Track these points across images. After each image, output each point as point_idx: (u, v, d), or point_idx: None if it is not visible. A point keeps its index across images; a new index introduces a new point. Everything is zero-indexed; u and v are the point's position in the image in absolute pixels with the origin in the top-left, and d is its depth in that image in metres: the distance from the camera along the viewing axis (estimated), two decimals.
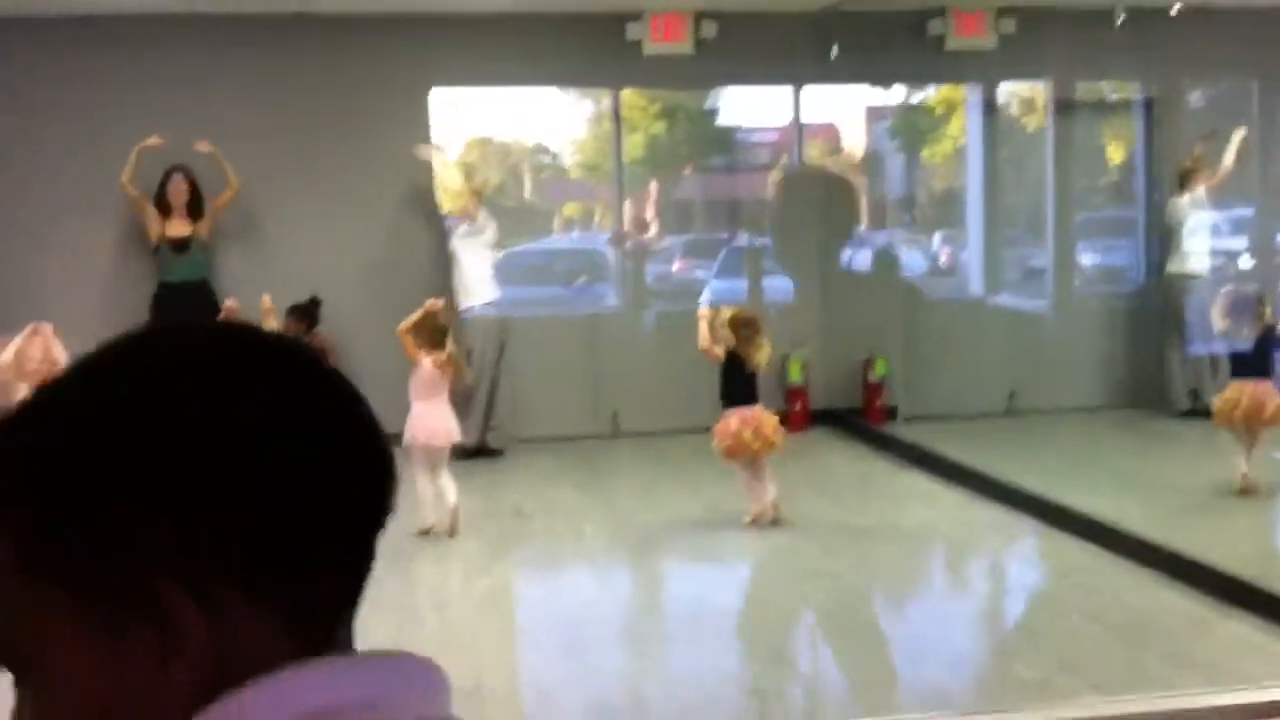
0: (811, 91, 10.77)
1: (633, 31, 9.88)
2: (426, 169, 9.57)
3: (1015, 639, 5.27)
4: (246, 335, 0.89)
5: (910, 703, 4.73)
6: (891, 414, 9.79)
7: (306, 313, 9.25)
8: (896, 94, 12.21)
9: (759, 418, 7.22)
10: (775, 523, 7.12)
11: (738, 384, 7.32)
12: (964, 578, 6.19)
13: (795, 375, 9.93)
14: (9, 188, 9.09)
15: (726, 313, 7.48)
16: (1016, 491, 7.34)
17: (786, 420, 9.85)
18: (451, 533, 7.11)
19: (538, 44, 9.72)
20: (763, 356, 7.31)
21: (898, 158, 13.14)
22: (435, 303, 7.48)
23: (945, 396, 9.84)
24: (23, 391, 6.65)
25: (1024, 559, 6.51)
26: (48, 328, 6.99)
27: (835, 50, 10.00)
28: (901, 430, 9.33)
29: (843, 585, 6.57)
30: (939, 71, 10.86)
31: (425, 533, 7.11)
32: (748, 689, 4.91)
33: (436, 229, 9.60)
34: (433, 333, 7.32)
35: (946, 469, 8.15)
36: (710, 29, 9.94)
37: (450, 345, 7.38)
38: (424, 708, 0.85)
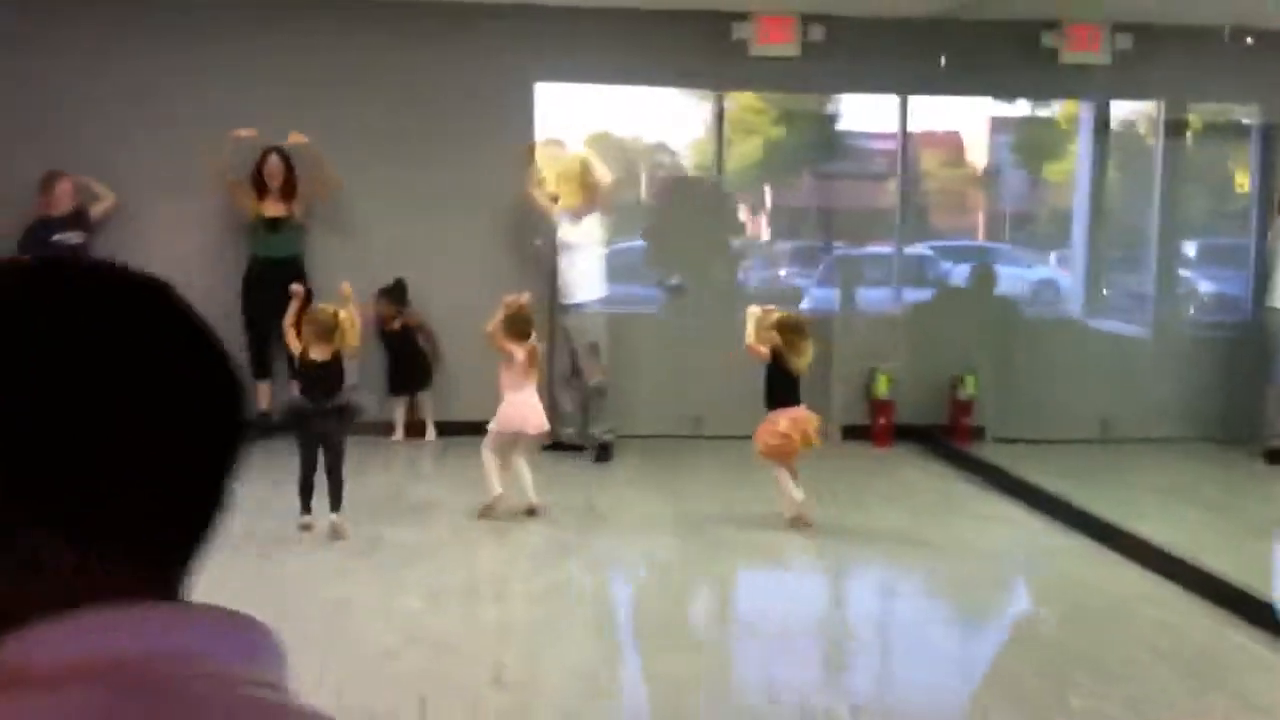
0: (933, 100, 10.61)
1: (739, 32, 9.81)
2: (532, 160, 9.58)
3: (1075, 668, 5.11)
4: (52, 269, 0.86)
5: None
6: (978, 434, 9.60)
7: (394, 294, 9.40)
8: (1021, 107, 11.98)
9: (806, 418, 7.38)
10: (801, 523, 7.27)
11: (784, 386, 7.45)
12: (1030, 603, 6.03)
13: (882, 390, 9.78)
14: (116, 165, 9.29)
15: (775, 315, 7.55)
16: (1096, 520, 7.17)
17: (870, 435, 9.77)
18: (532, 512, 7.47)
19: (642, 41, 9.72)
20: (804, 361, 7.42)
21: (1018, 172, 12.93)
22: (514, 298, 7.61)
23: (1035, 419, 9.62)
24: None
25: (1095, 588, 6.31)
26: None
27: (944, 59, 9.84)
28: (987, 451, 9.15)
29: (905, 602, 6.46)
30: (1050, 86, 10.63)
31: (486, 512, 7.42)
32: (792, 701, 4.82)
33: (541, 221, 9.58)
34: (517, 325, 7.50)
35: (1028, 493, 7.97)
36: (818, 32, 9.84)
37: (534, 337, 7.59)
38: (250, 671, 0.82)
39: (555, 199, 9.36)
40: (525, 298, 7.68)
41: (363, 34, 9.54)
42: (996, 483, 8.42)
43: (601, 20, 9.65)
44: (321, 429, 7.03)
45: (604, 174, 9.29)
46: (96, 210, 9.26)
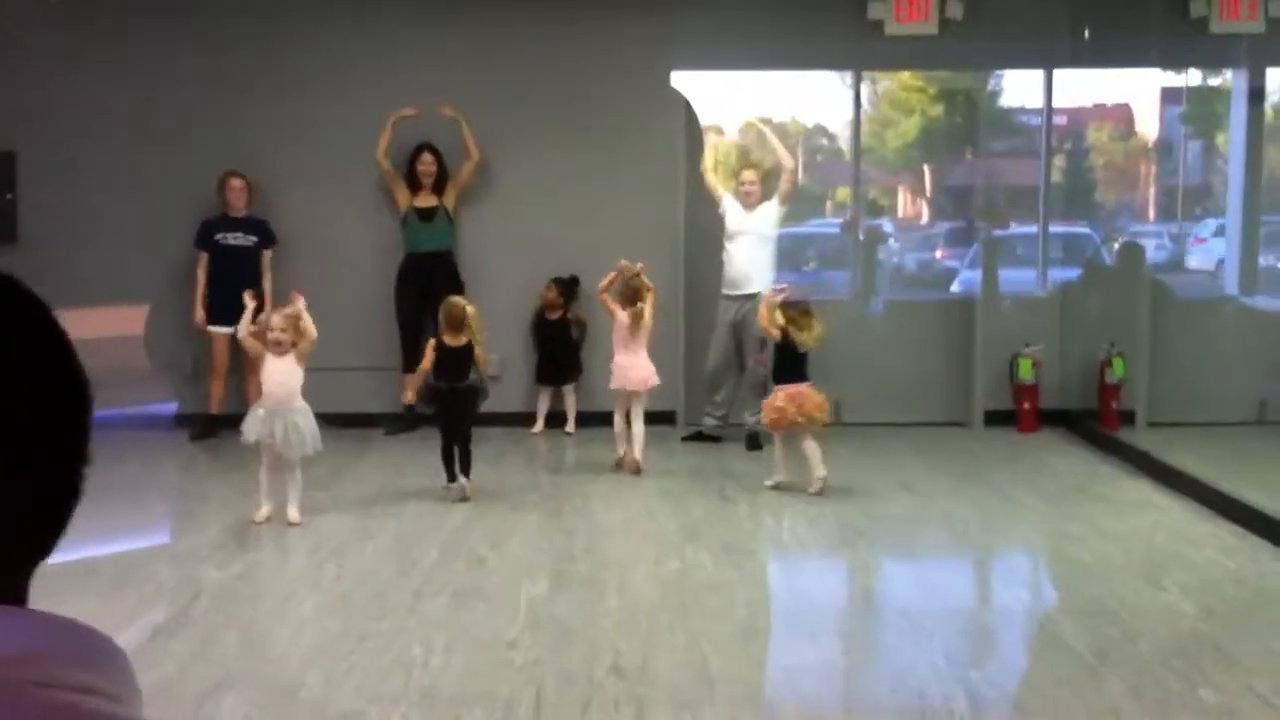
0: (1091, 74, 10.32)
1: (874, 11, 9.68)
2: (681, 147, 9.59)
3: (1209, 661, 4.93)
4: None
5: (1082, 714, 4.50)
6: (1128, 418, 9.31)
7: (565, 286, 9.50)
8: (1192, 76, 11.58)
9: (805, 394, 7.85)
10: (821, 493, 7.70)
11: (790, 364, 7.96)
12: (1167, 592, 5.83)
13: (1025, 374, 9.56)
14: (271, 157, 9.57)
15: (782, 296, 8.04)
16: (1246, 508, 6.90)
17: (1014, 420, 9.57)
18: (637, 471, 8.19)
19: (777, 24, 9.64)
20: (810, 338, 7.91)
21: (1191, 144, 12.54)
22: (629, 265, 8.34)
23: (1188, 402, 9.30)
24: (266, 359, 7.00)
25: (1239, 578, 6.08)
26: (299, 298, 7.29)
27: (1088, 32, 9.56)
28: (1135, 436, 8.87)
29: (1037, 591, 6.33)
30: (1200, 56, 10.26)
31: (616, 467, 8.23)
32: (912, 688, 4.75)
33: (693, 208, 9.57)
34: (625, 290, 8.31)
35: (1176, 479, 7.72)
36: (955, 9, 9.65)
37: (642, 302, 8.27)
38: (88, 678, 0.80)
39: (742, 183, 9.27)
40: (639, 266, 8.32)
41: (508, 18, 9.65)
42: (1143, 468, 8.17)
43: (737, 4, 9.61)
44: (452, 406, 7.63)
45: (786, 158, 9.18)
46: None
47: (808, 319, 7.92)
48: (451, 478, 7.68)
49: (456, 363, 7.60)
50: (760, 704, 4.84)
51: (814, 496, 7.67)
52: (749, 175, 9.25)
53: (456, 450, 7.67)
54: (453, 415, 7.69)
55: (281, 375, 7.04)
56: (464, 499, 7.57)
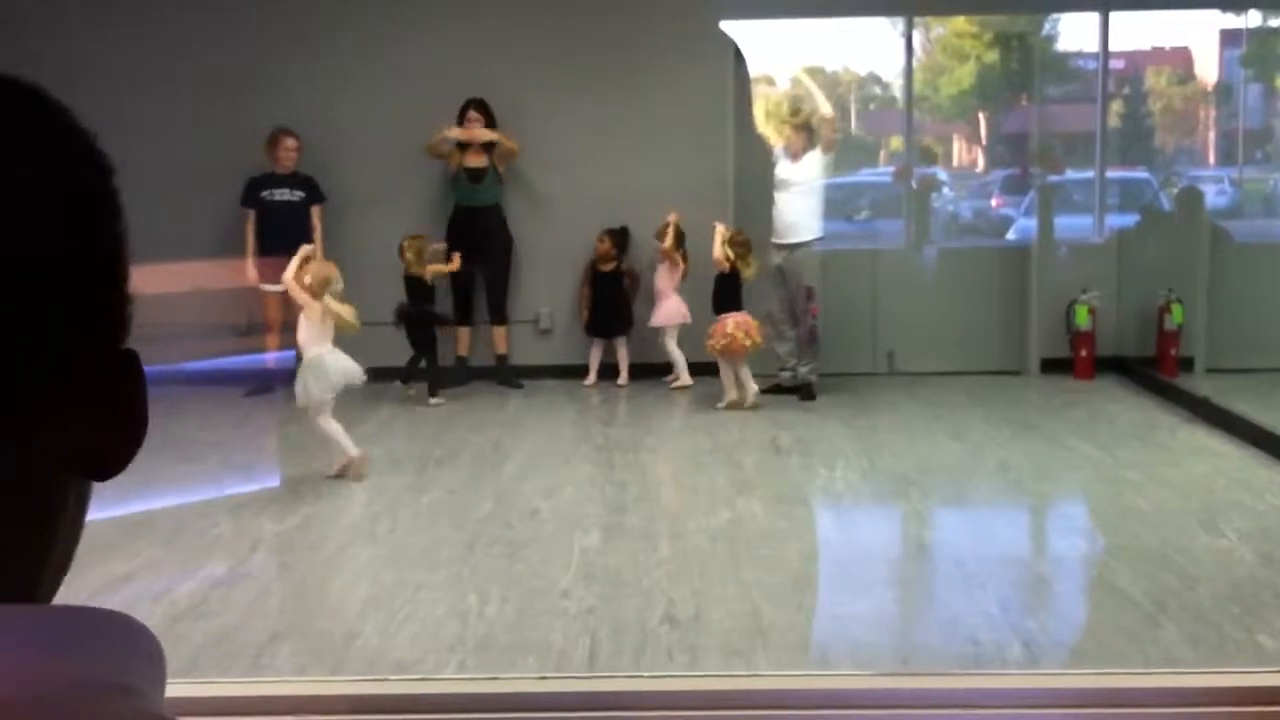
0: (1151, 15, 10.13)
1: None
2: (730, 95, 9.52)
3: (1269, 606, 4.88)
4: None
5: (1138, 661, 4.47)
6: (1186, 365, 9.18)
7: (618, 237, 9.47)
8: (1253, 17, 11.32)
9: (748, 322, 8.60)
10: (754, 408, 8.55)
11: (733, 293, 8.71)
12: (1226, 539, 5.76)
13: (1082, 320, 9.45)
14: (318, 113, 9.55)
15: (730, 232, 8.85)
16: None
17: (1071, 368, 9.47)
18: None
19: None
20: (752, 272, 8.75)
21: (1252, 87, 12.32)
22: (673, 215, 9.03)
23: (1249, 348, 9.13)
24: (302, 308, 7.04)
25: None
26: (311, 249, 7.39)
27: None
28: (1194, 383, 8.75)
29: (1093, 539, 6.28)
30: None
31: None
32: (964, 636, 4.74)
33: (743, 157, 9.50)
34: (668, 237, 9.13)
35: (1234, 425, 7.61)
36: None
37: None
38: (127, 678, 0.64)
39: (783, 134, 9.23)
40: (674, 217, 9.06)
41: None
42: (1201, 414, 8.07)
43: None
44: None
45: (825, 107, 9.10)
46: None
47: (749, 253, 8.76)
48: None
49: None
50: (812, 652, 4.84)
51: (867, 447, 7.64)
52: (792, 125, 9.17)
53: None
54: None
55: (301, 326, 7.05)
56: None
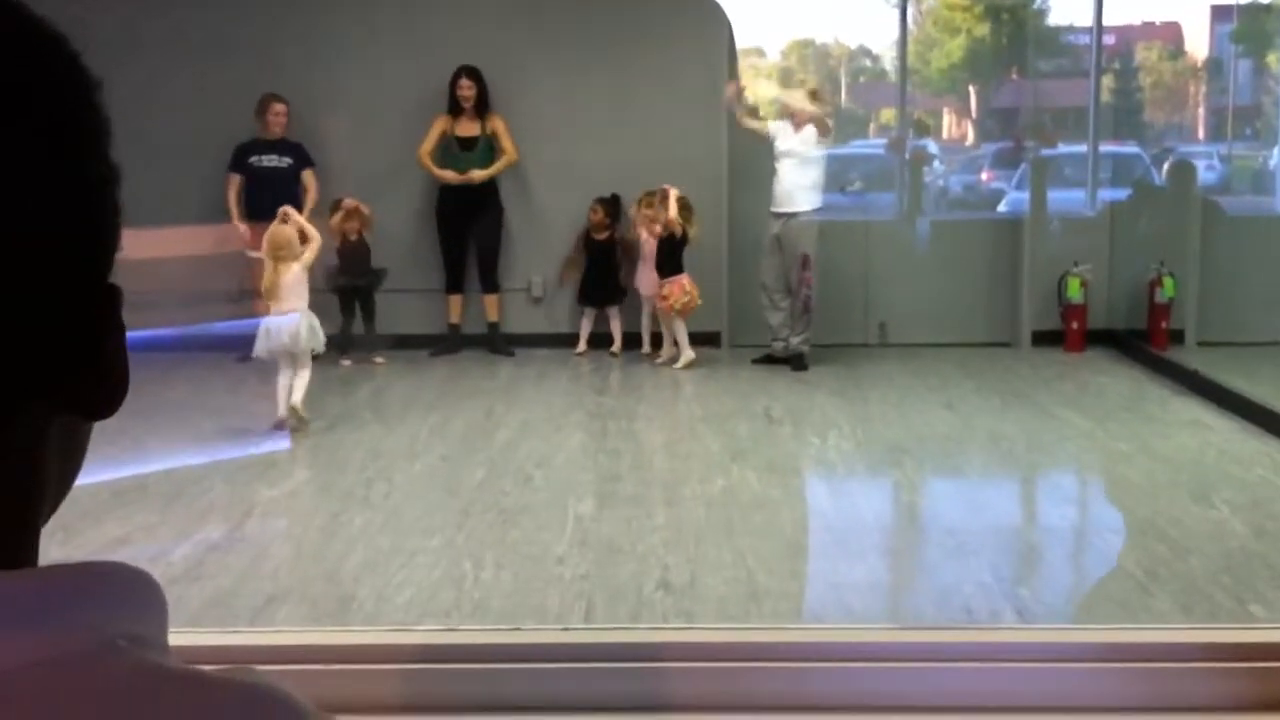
0: None
1: None
2: (724, 64, 9.49)
3: (1260, 578, 4.92)
4: None
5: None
6: (1177, 338, 9.22)
7: (611, 205, 9.44)
8: None
9: (691, 282, 9.00)
10: (689, 367, 8.92)
11: (677, 256, 8.99)
12: (1217, 510, 5.80)
13: (1074, 293, 9.47)
14: (309, 79, 9.49)
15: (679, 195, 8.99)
16: None
17: (1062, 340, 9.50)
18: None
19: None
20: (694, 233, 9.06)
21: (1242, 63, 12.32)
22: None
23: (1239, 321, 9.19)
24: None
25: None
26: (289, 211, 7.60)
27: None
28: (1185, 355, 8.79)
29: (1085, 509, 6.32)
30: None
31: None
32: (958, 604, 4.77)
33: (736, 129, 9.47)
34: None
35: (1225, 398, 7.65)
36: None
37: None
38: (140, 627, 0.63)
39: (764, 117, 9.21)
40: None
41: None
42: (1192, 387, 8.10)
43: None
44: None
45: (804, 106, 9.06)
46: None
47: (692, 215, 9.05)
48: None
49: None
50: (806, 620, 4.87)
51: (859, 416, 7.67)
52: (800, 102, 9.14)
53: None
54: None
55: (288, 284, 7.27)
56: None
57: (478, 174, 9.32)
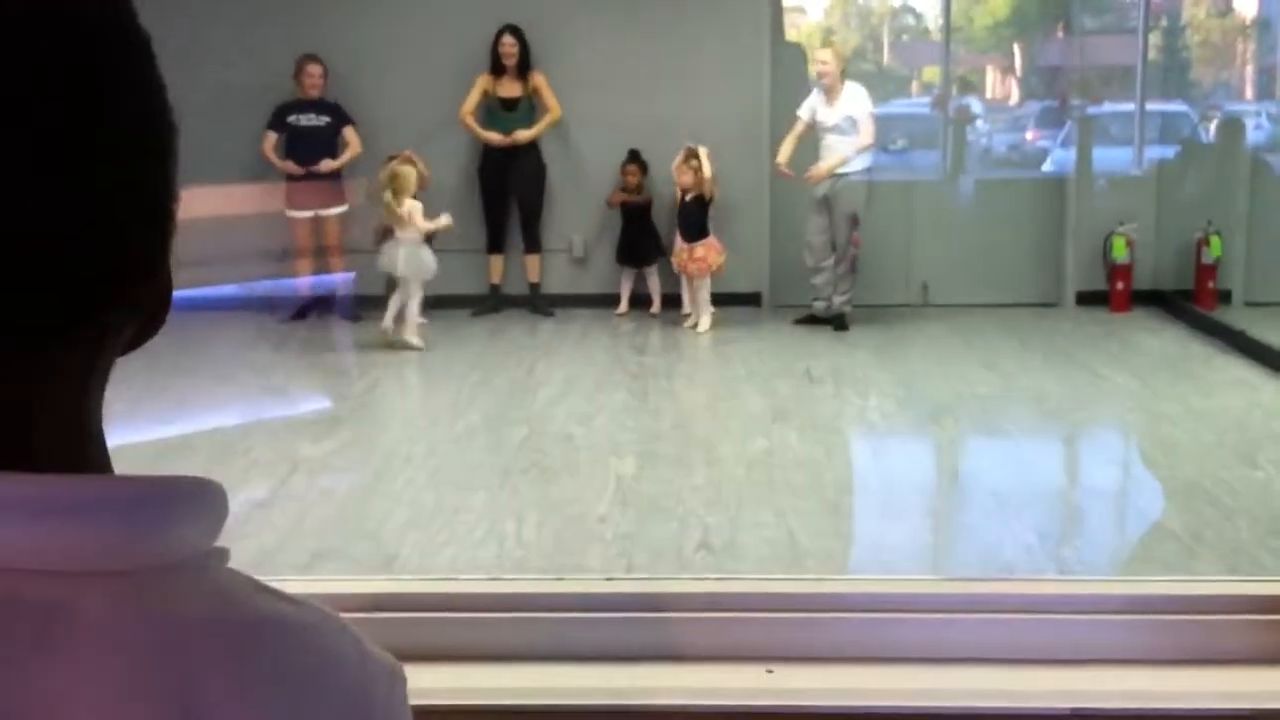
0: None
1: None
2: (766, 22, 9.42)
3: None
4: None
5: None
6: (1224, 298, 9.12)
7: (641, 163, 9.38)
8: None
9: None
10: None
11: (707, 218, 8.99)
12: (1263, 471, 5.74)
13: (1119, 253, 9.38)
14: (349, 37, 9.48)
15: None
16: None
17: (1107, 300, 9.42)
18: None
19: None
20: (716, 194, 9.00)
21: None
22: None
23: None
24: None
25: None
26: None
27: None
28: (1232, 315, 8.70)
29: (1130, 470, 6.28)
30: None
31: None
32: (998, 564, 4.75)
33: (779, 87, 9.39)
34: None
35: (1272, 358, 7.57)
36: None
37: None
38: (215, 541, 0.65)
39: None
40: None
41: None
42: (1239, 347, 8.01)
43: None
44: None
45: (841, 42, 8.97)
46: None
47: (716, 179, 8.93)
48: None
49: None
50: (877, 576, 4.87)
51: (901, 376, 7.64)
52: (824, 56, 9.04)
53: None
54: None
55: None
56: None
57: (522, 134, 9.28)
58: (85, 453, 0.63)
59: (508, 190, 9.41)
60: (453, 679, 1.22)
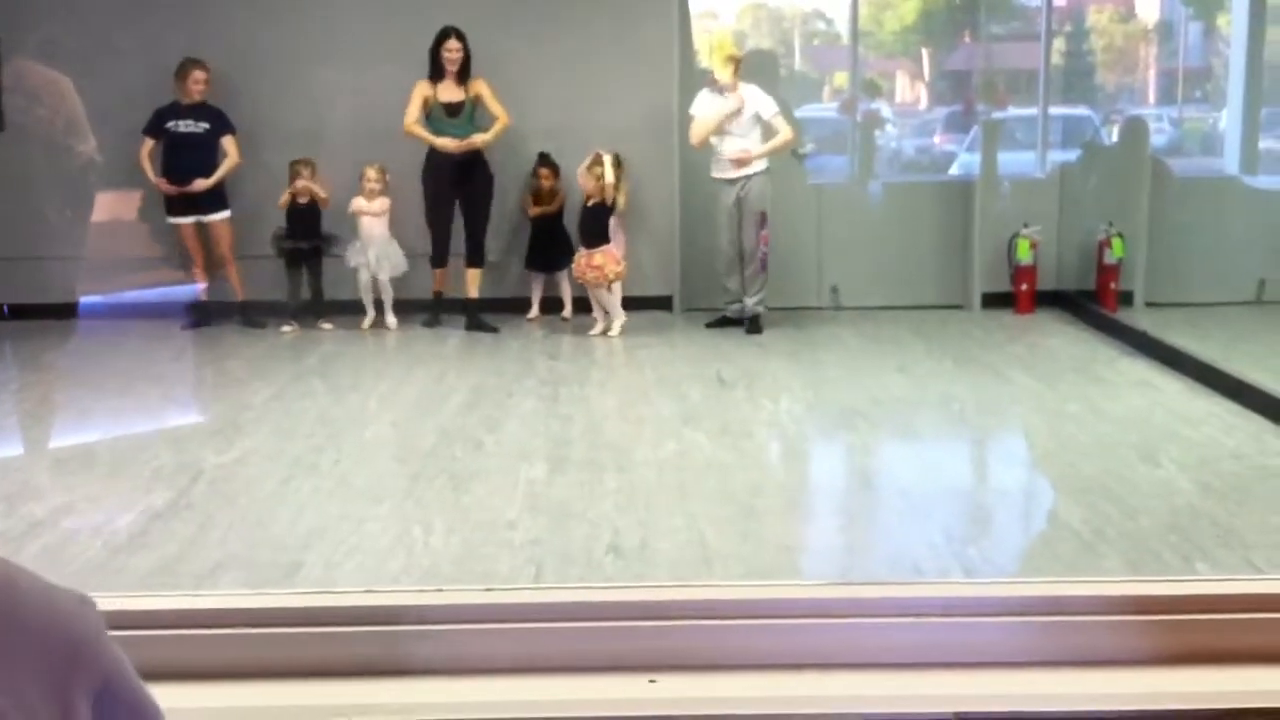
0: None
1: None
2: (675, 27, 9.41)
3: (1206, 537, 4.96)
4: None
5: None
6: (1126, 299, 9.27)
7: (553, 164, 9.30)
8: None
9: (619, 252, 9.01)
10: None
11: (607, 224, 8.93)
12: (1165, 469, 5.84)
13: (1023, 255, 9.50)
14: (242, 38, 9.32)
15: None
16: (1243, 385, 6.89)
17: (1012, 302, 9.54)
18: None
19: None
20: (624, 201, 8.95)
21: (1193, 26, 12.37)
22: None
23: (1187, 282, 9.26)
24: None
25: (1237, 455, 6.09)
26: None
27: None
28: (1133, 316, 8.84)
29: (1034, 470, 6.35)
30: None
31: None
32: (907, 565, 4.78)
33: (687, 91, 9.38)
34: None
35: (1173, 357, 7.71)
36: None
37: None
38: None
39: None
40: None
41: None
42: (1141, 348, 8.15)
43: None
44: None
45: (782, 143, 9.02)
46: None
47: (624, 183, 8.95)
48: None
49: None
50: (758, 582, 4.86)
51: (812, 379, 7.67)
52: (720, 66, 9.01)
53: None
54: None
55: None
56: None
57: (479, 139, 8.97)
58: None
59: (455, 201, 9.13)
60: (306, 696, 1.18)
